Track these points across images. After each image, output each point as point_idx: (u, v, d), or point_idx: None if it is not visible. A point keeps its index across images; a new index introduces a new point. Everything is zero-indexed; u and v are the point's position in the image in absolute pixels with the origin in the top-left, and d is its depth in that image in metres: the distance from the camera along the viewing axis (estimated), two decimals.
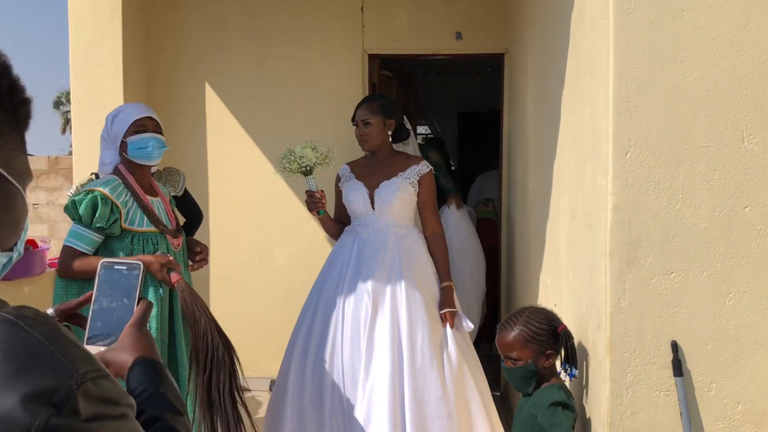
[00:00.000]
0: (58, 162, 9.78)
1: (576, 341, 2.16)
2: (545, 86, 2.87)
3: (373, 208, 3.04)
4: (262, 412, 4.14)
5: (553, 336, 2.09)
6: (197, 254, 2.77)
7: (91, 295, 1.06)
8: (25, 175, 0.81)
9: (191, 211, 3.68)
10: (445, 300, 2.98)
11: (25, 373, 0.64)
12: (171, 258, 2.47)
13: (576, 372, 2.06)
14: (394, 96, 4.91)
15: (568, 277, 2.37)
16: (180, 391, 2.46)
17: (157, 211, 2.61)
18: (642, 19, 1.81)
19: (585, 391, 2.12)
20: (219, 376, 2.38)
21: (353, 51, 4.50)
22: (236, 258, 4.62)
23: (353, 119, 3.11)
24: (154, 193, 2.68)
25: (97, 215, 2.43)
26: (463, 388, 2.87)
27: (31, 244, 3.42)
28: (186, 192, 3.64)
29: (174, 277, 2.46)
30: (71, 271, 2.46)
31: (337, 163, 3.06)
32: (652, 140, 1.83)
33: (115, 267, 1.07)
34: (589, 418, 2.05)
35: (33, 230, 9.66)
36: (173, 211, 2.71)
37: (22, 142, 0.81)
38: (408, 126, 3.32)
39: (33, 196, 9.74)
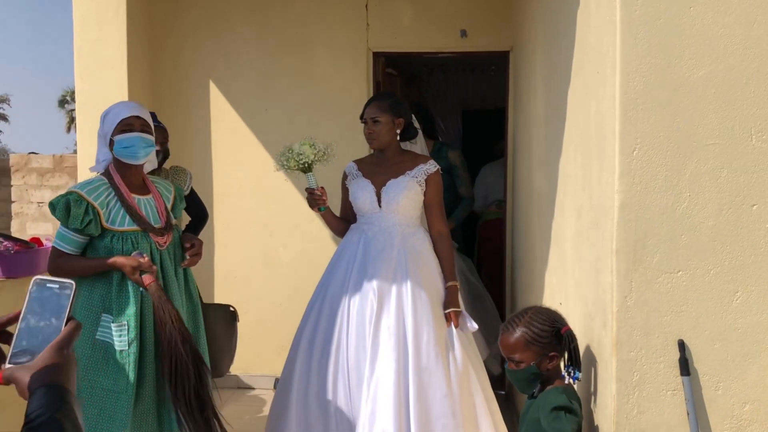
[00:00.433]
0: (63, 160, 9.80)
1: (582, 340, 2.15)
2: (551, 84, 2.86)
3: (380, 207, 3.03)
4: (266, 410, 4.14)
5: (556, 337, 2.06)
6: (187, 249, 2.72)
7: (20, 312, 1.01)
8: None
9: (196, 210, 3.67)
10: (450, 299, 2.98)
11: None
12: (143, 260, 2.46)
13: (580, 375, 2.04)
14: (399, 94, 4.90)
15: (574, 275, 2.36)
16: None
17: (144, 209, 2.58)
18: (649, 16, 1.80)
19: (591, 390, 2.11)
20: (183, 383, 2.39)
21: (358, 49, 4.50)
22: (241, 256, 4.62)
23: (362, 117, 3.10)
24: (145, 191, 2.65)
25: (70, 217, 2.43)
26: (467, 387, 2.86)
27: (36, 242, 3.43)
28: (192, 191, 3.63)
29: (147, 279, 2.44)
30: (57, 272, 2.48)
31: (337, 159, 3.05)
32: (659, 138, 1.81)
33: (48, 285, 1.02)
34: (596, 417, 2.04)
35: (38, 228, 9.69)
36: (167, 209, 2.67)
37: None
38: (416, 125, 3.31)
39: (38, 194, 9.76)
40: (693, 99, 1.80)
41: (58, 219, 2.47)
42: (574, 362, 2.04)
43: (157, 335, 2.50)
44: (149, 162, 2.74)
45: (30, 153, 10.06)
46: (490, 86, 7.01)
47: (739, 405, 1.84)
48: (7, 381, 0.95)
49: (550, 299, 2.78)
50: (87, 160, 4.16)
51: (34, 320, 1.00)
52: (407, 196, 3.01)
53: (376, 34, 4.49)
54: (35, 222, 9.72)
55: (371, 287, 2.90)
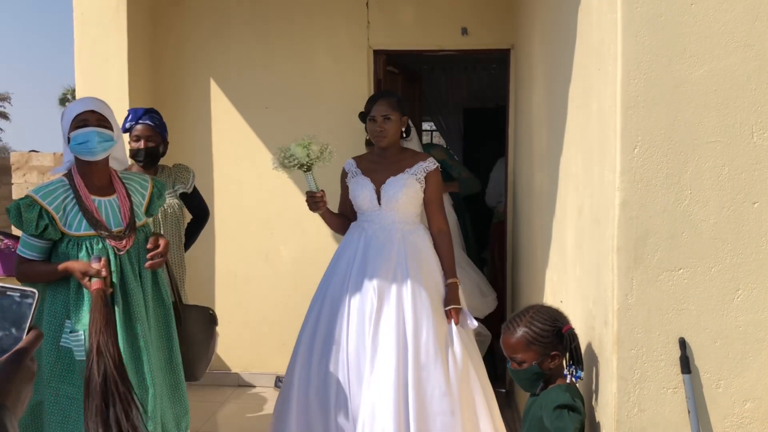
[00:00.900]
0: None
1: (583, 338, 2.15)
2: (552, 82, 2.86)
3: (380, 204, 3.03)
4: (267, 408, 4.14)
5: (557, 337, 2.06)
6: (150, 251, 2.54)
7: None
8: None
9: (198, 209, 3.67)
10: (451, 297, 2.98)
11: None
12: (96, 265, 2.33)
13: (582, 374, 2.03)
14: (400, 92, 4.90)
15: (575, 273, 2.36)
16: (145, 384, 2.37)
17: (104, 212, 2.47)
18: (650, 13, 1.80)
19: (592, 388, 2.10)
20: (91, 403, 2.20)
21: (358, 47, 4.49)
22: (242, 254, 4.62)
23: (367, 114, 3.08)
24: (109, 191, 2.53)
25: (23, 222, 2.36)
26: (467, 385, 2.86)
27: None
28: (195, 189, 3.63)
29: (94, 284, 2.32)
30: (23, 279, 2.43)
31: (337, 157, 3.04)
32: (660, 135, 1.81)
33: (8, 293, 0.96)
34: (596, 415, 2.04)
35: None
36: (132, 210, 2.54)
37: None
38: (411, 124, 3.31)
39: None
40: (694, 96, 1.80)
41: (13, 224, 2.38)
42: (576, 361, 2.03)
43: (137, 341, 2.42)
44: (117, 160, 2.63)
45: (31, 151, 10.08)
46: (491, 84, 7.00)
47: (740, 403, 1.84)
48: None
49: (551, 297, 2.78)
50: None
51: None
52: (407, 194, 3.01)
53: (377, 31, 4.48)
54: None
55: (371, 285, 2.90)
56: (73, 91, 5.22)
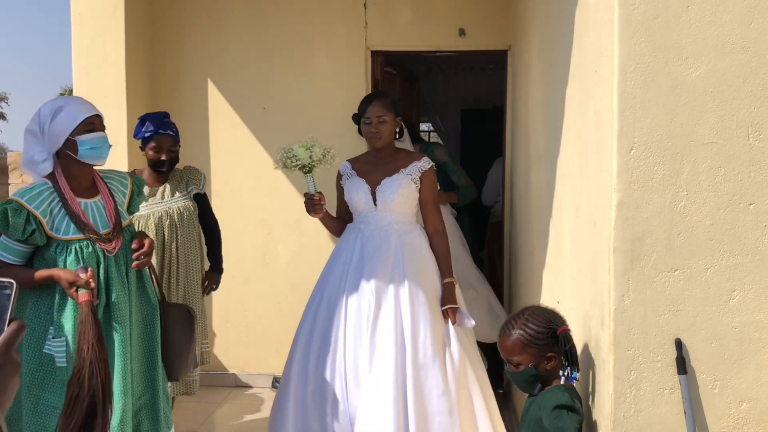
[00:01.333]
0: None
1: (579, 339, 2.15)
2: (549, 83, 2.86)
3: (376, 205, 3.03)
4: (264, 409, 4.14)
5: (553, 338, 2.06)
6: (136, 250, 2.50)
7: None
8: None
9: (207, 217, 3.62)
10: (447, 296, 2.98)
11: None
12: (84, 276, 2.26)
13: (577, 375, 2.04)
14: (397, 93, 4.90)
15: (572, 274, 2.36)
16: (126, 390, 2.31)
17: (91, 214, 2.43)
18: (647, 15, 1.80)
19: (589, 389, 2.11)
20: (73, 417, 2.14)
21: (356, 47, 4.50)
22: (239, 255, 4.62)
23: (362, 116, 3.08)
24: (93, 192, 2.49)
25: (10, 227, 2.29)
26: (465, 384, 2.87)
27: None
28: (204, 195, 3.61)
29: (82, 296, 2.25)
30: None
31: (337, 163, 3.05)
32: (656, 137, 1.82)
33: None
34: (593, 415, 2.05)
35: None
36: (117, 210, 2.51)
37: None
38: (402, 124, 3.31)
39: None
40: (690, 98, 1.81)
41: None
42: (571, 363, 2.04)
43: (111, 350, 2.36)
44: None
45: None
46: (488, 85, 7.00)
47: (736, 403, 1.85)
48: None
49: (548, 298, 2.78)
50: None
51: None
52: (402, 194, 3.01)
53: (375, 32, 4.49)
54: None
55: (368, 286, 2.90)
56: (71, 91, 5.22)
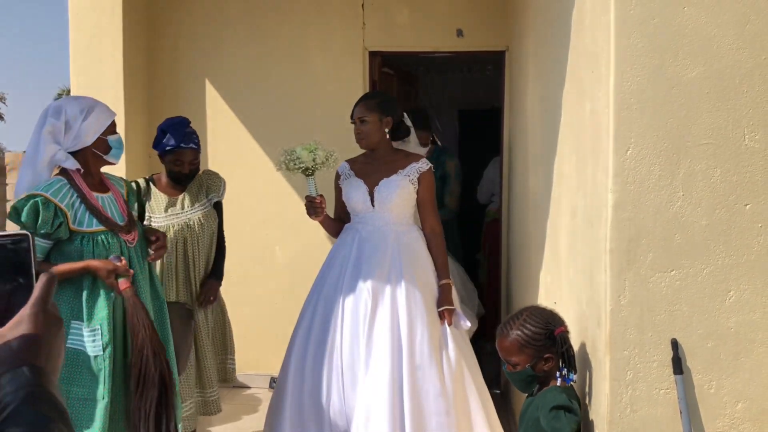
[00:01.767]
0: None
1: (576, 339, 2.16)
2: (546, 83, 2.87)
3: (373, 206, 3.03)
4: (262, 409, 4.14)
5: (550, 339, 2.06)
6: (152, 243, 2.65)
7: None
8: None
9: (219, 233, 3.44)
10: (444, 298, 2.98)
11: None
12: (120, 264, 2.38)
13: (574, 377, 2.04)
14: (395, 93, 4.90)
15: (568, 274, 2.36)
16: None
17: (107, 207, 2.52)
18: (643, 16, 1.81)
19: (585, 389, 2.11)
20: (147, 394, 2.33)
21: (354, 48, 4.50)
22: (237, 255, 4.61)
23: (352, 116, 3.10)
24: (104, 188, 2.58)
25: (39, 221, 2.33)
26: (461, 385, 2.87)
27: None
28: (220, 205, 3.43)
29: (123, 284, 2.37)
30: None
31: (337, 165, 3.05)
32: (652, 137, 1.82)
33: None
34: (589, 415, 2.05)
35: None
36: (127, 205, 2.62)
37: None
38: (408, 123, 3.30)
39: None
40: (687, 99, 1.81)
41: (22, 224, 2.33)
42: (568, 365, 2.04)
43: (127, 341, 2.44)
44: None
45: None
46: (486, 85, 7.01)
47: (732, 403, 1.85)
48: None
49: (545, 298, 2.78)
50: None
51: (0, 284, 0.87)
52: (400, 195, 3.01)
53: (373, 33, 4.49)
54: None
55: (365, 286, 2.90)
56: (68, 91, 5.21)
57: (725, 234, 1.83)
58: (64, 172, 2.48)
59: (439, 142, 4.79)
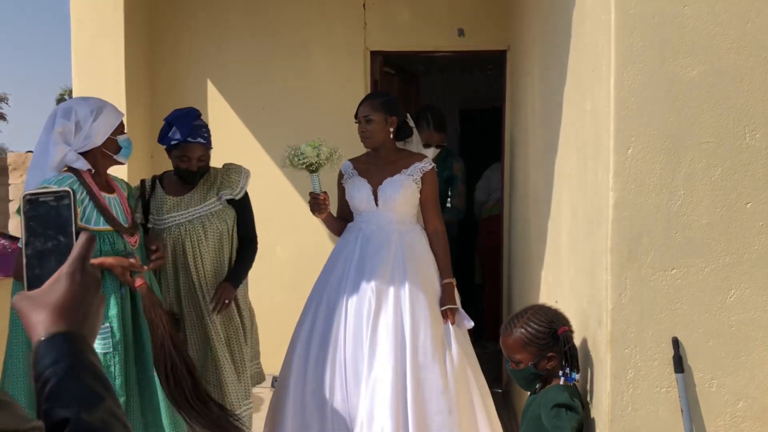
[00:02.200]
0: None
1: (577, 338, 2.16)
2: (547, 82, 2.87)
3: (377, 205, 3.04)
4: (264, 409, 4.14)
5: (553, 338, 2.07)
6: (153, 252, 2.61)
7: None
8: None
9: (244, 227, 3.06)
10: (447, 297, 2.99)
11: None
12: (134, 261, 2.41)
13: (576, 376, 2.04)
14: (396, 93, 4.91)
15: (569, 273, 2.37)
16: (148, 388, 2.42)
17: (113, 208, 2.53)
18: (643, 15, 1.81)
19: (586, 387, 2.12)
20: (182, 384, 2.38)
21: (355, 48, 4.50)
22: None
23: (356, 115, 3.11)
24: (110, 189, 2.60)
25: None
26: (464, 384, 2.88)
27: None
28: (245, 198, 3.06)
29: (138, 281, 2.40)
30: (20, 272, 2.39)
31: (340, 164, 3.06)
32: (653, 136, 1.82)
33: (41, 200, 0.86)
34: (591, 414, 2.05)
35: None
36: (131, 208, 2.64)
37: None
38: (411, 124, 3.31)
39: None
40: (687, 97, 1.81)
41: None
42: (570, 364, 2.04)
43: (138, 338, 2.46)
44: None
45: (28, 152, 10.05)
46: (487, 85, 7.01)
47: (733, 402, 1.85)
48: (16, 309, 0.81)
49: (546, 297, 2.79)
50: None
51: (40, 243, 0.85)
52: (404, 195, 3.01)
53: (374, 33, 4.49)
54: None
55: (369, 285, 2.91)
56: (70, 91, 5.20)
57: (726, 232, 1.83)
58: (73, 170, 2.48)
59: (445, 144, 4.82)
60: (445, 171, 4.52)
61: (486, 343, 4.93)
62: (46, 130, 2.47)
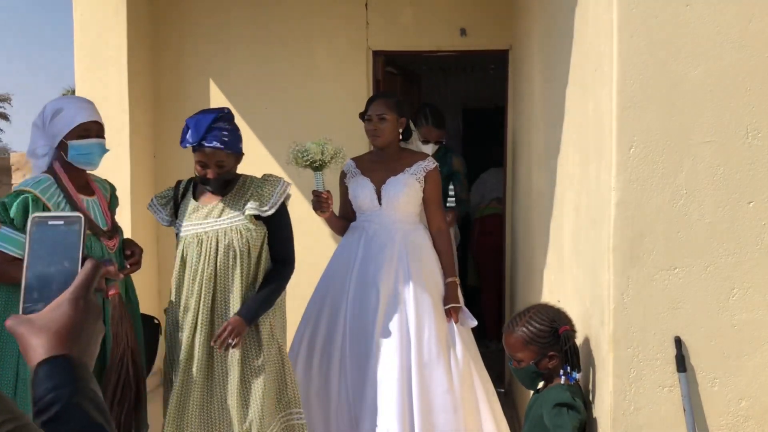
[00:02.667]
0: None
1: (579, 337, 2.16)
2: (549, 82, 2.87)
3: (380, 204, 3.04)
4: None
5: (555, 337, 2.07)
6: (128, 258, 2.54)
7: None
8: None
9: (278, 247, 2.67)
10: (450, 295, 3.00)
11: None
12: (111, 268, 2.33)
13: (577, 376, 2.05)
14: (398, 93, 4.91)
15: (572, 272, 2.37)
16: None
17: (91, 211, 2.48)
18: (646, 14, 1.81)
19: (589, 387, 2.12)
20: (123, 402, 2.33)
21: (357, 48, 4.50)
22: None
23: (364, 114, 3.10)
24: (90, 191, 2.53)
25: (28, 217, 2.29)
26: (469, 382, 2.89)
27: None
28: (280, 211, 2.65)
29: (111, 289, 2.34)
30: (6, 278, 2.29)
31: (343, 163, 3.06)
32: (655, 135, 1.82)
33: (50, 223, 0.84)
34: (593, 413, 2.05)
35: None
36: (111, 210, 2.58)
37: None
38: (411, 126, 3.31)
39: None
40: (689, 97, 1.81)
41: (10, 220, 2.30)
42: (571, 363, 2.05)
43: (104, 346, 2.40)
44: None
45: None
46: (489, 85, 7.01)
47: (736, 401, 1.85)
48: (11, 332, 0.79)
49: (549, 297, 2.79)
50: None
51: (42, 266, 0.82)
52: (407, 194, 3.02)
53: (376, 32, 4.49)
54: None
55: (373, 285, 2.91)
56: (73, 91, 5.22)
57: (729, 232, 1.83)
58: (51, 170, 2.44)
59: (443, 141, 4.83)
60: (444, 168, 4.53)
61: (488, 343, 4.93)
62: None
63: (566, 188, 2.47)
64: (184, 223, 2.64)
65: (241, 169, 2.78)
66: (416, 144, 3.37)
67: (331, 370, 2.91)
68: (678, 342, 1.84)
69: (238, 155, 2.68)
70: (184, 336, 2.58)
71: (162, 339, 2.74)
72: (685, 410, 1.82)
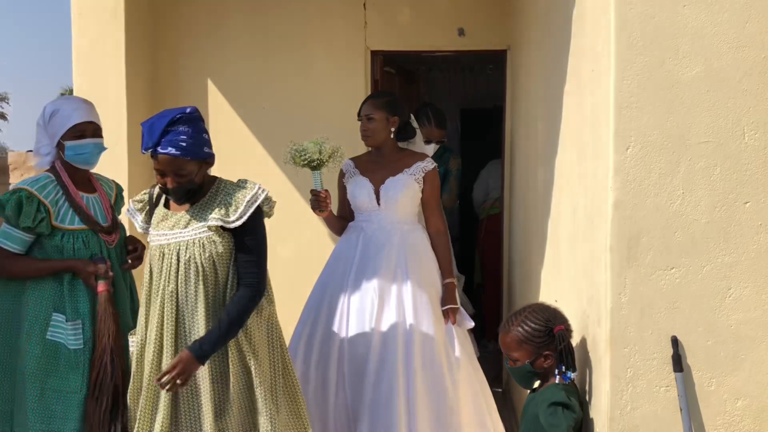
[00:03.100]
0: None
1: (576, 337, 2.17)
2: (547, 82, 2.88)
3: (379, 204, 3.04)
4: None
5: (550, 336, 2.08)
6: (130, 252, 2.63)
7: None
8: None
9: (243, 268, 2.43)
10: (448, 296, 3.00)
11: None
12: (101, 267, 2.41)
13: (572, 375, 2.05)
14: (397, 93, 4.91)
15: (569, 272, 2.37)
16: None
17: (92, 207, 2.54)
18: (643, 15, 1.81)
19: (585, 386, 2.12)
20: (101, 399, 2.35)
21: (356, 47, 4.51)
22: None
23: (359, 114, 3.12)
24: (91, 188, 2.60)
25: (22, 215, 2.38)
26: (466, 383, 2.89)
27: None
28: (251, 224, 2.41)
29: (101, 286, 2.41)
30: (5, 273, 2.43)
31: (341, 162, 3.06)
32: (652, 136, 1.83)
33: None
34: (590, 413, 2.06)
35: None
36: (112, 207, 2.64)
37: None
38: (414, 125, 3.31)
39: None
40: (686, 97, 1.82)
41: (6, 217, 2.40)
42: (566, 363, 2.05)
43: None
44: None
45: (28, 151, 10.04)
46: (487, 85, 7.02)
47: (732, 401, 1.86)
48: None
49: (546, 296, 2.79)
50: None
51: None
52: (406, 194, 3.02)
53: (375, 32, 4.50)
54: None
55: (371, 285, 2.91)
56: (71, 90, 5.21)
57: (725, 232, 1.83)
58: (53, 169, 2.53)
59: (444, 141, 4.83)
60: (441, 167, 4.52)
61: (486, 343, 4.93)
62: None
63: (564, 188, 2.48)
64: (151, 232, 2.37)
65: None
66: (419, 144, 3.38)
67: (329, 369, 2.91)
68: (675, 342, 1.84)
69: (204, 161, 2.33)
70: (147, 360, 2.29)
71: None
72: (681, 410, 1.83)
